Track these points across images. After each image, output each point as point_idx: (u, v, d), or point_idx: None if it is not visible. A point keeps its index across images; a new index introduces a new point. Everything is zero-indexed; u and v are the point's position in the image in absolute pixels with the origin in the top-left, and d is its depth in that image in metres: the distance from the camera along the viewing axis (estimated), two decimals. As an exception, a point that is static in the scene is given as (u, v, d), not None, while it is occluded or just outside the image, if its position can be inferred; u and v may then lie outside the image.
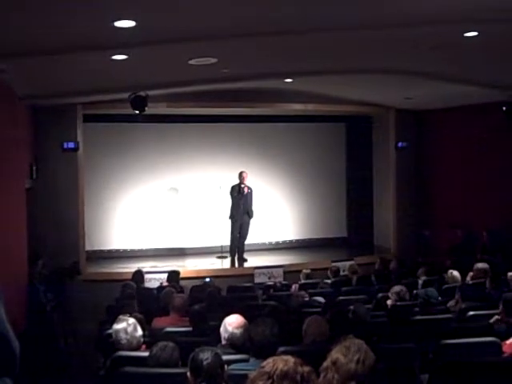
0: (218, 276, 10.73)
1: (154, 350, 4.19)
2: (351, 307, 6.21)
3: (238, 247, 12.33)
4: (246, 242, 12.81)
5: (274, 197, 14.00)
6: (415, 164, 13.55)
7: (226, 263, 12.22)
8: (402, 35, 6.59)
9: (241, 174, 12.20)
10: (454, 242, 11.51)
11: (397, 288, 7.01)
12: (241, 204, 12.10)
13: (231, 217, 12.22)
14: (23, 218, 8.85)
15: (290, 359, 2.20)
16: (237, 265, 12.08)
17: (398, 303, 6.72)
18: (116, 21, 5.23)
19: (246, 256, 12.33)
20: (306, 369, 2.18)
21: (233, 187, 12.18)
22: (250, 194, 12.20)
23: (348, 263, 10.93)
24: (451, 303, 6.91)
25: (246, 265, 11.94)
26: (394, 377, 3.89)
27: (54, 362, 6.69)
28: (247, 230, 12.29)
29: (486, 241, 10.97)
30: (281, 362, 2.17)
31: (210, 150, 13.23)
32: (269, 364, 2.18)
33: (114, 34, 5.73)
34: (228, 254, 12.36)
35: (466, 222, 11.55)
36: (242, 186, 12.12)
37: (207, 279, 9.97)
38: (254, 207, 12.81)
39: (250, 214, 12.23)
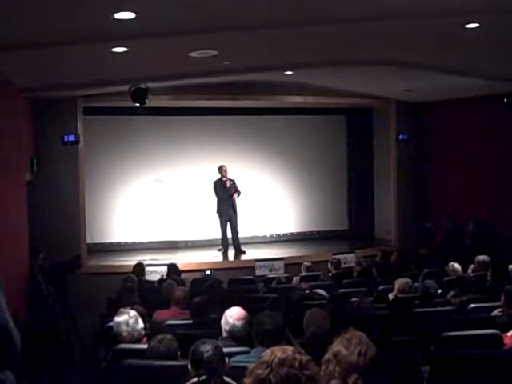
0: (219, 269, 10.74)
1: (152, 343, 4.21)
2: (353, 299, 6.24)
3: (233, 240, 12.33)
4: (247, 235, 12.84)
5: (274, 189, 13.99)
6: (416, 156, 13.52)
7: (227, 255, 12.24)
8: (402, 27, 6.57)
9: (221, 168, 12.17)
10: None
11: (402, 280, 7.03)
12: (225, 198, 12.10)
13: (218, 212, 12.22)
14: (24, 210, 8.85)
15: (289, 348, 2.22)
16: (231, 258, 12.06)
17: (400, 295, 6.74)
18: (116, 13, 5.21)
19: (245, 248, 12.32)
20: (305, 357, 2.19)
21: (215, 182, 12.18)
22: (233, 185, 12.18)
23: (349, 256, 10.95)
24: (450, 294, 6.92)
25: (246, 257, 11.93)
26: (395, 369, 3.89)
27: (55, 355, 6.70)
28: (236, 222, 12.26)
29: (471, 232, 11.06)
30: (279, 351, 2.19)
31: (211, 142, 13.20)
32: (267, 354, 2.20)
33: (114, 26, 5.71)
34: (229, 247, 12.36)
35: (466, 213, 11.55)
36: (224, 179, 12.12)
37: (208, 272, 9.99)
38: (255, 199, 13.16)
39: (238, 194, 12.21)
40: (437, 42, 7.27)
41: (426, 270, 8.56)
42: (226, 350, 3.72)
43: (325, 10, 5.70)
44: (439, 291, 7.02)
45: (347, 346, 2.62)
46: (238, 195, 12.16)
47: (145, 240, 13.11)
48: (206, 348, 3.46)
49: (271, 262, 10.98)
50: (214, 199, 12.21)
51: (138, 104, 9.85)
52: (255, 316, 4.47)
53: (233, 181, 12.20)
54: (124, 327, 4.80)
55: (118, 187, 12.91)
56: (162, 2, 5.09)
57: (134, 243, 13.06)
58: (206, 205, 12.56)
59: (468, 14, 5.91)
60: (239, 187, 12.27)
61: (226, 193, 12.08)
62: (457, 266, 8.25)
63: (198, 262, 11.45)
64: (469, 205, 11.89)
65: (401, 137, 13.27)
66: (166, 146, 13.09)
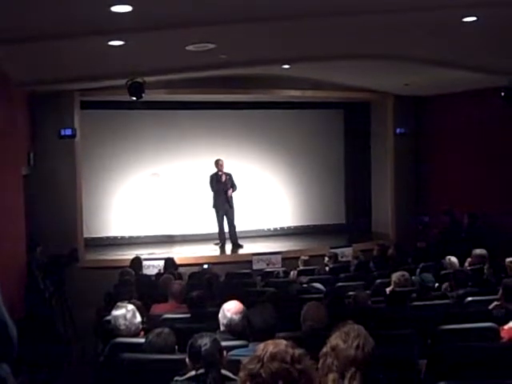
0: (216, 263, 10.73)
1: (150, 337, 4.20)
2: (351, 293, 6.24)
3: (230, 234, 12.32)
4: (245, 229, 12.84)
5: (272, 183, 13.99)
6: (414, 150, 13.53)
7: (224, 249, 12.24)
8: (400, 20, 6.56)
9: (217, 162, 12.14)
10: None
11: (398, 273, 7.04)
12: (221, 192, 12.08)
13: (214, 206, 12.21)
14: (21, 204, 8.83)
15: (282, 342, 2.21)
16: (228, 252, 12.06)
17: (397, 289, 6.75)
18: (113, 5, 5.18)
19: (242, 242, 12.32)
20: (298, 351, 2.18)
21: (211, 176, 12.16)
22: (229, 180, 12.17)
23: (346, 249, 10.95)
24: (444, 287, 6.94)
25: (244, 251, 11.93)
26: (393, 362, 3.90)
27: (52, 349, 6.70)
28: (233, 216, 12.25)
29: (466, 225, 11.08)
30: (271, 345, 2.18)
31: (208, 136, 13.19)
32: (260, 348, 2.19)
33: (111, 19, 5.69)
34: (226, 241, 12.36)
35: (464, 207, 11.55)
36: (220, 173, 12.10)
37: (205, 266, 9.98)
38: (252, 193, 13.30)
39: (234, 190, 12.17)
40: (435, 36, 7.25)
41: (423, 264, 8.57)
42: (223, 343, 3.71)
43: (323, 3, 5.68)
44: (436, 285, 7.04)
45: (345, 339, 2.61)
46: (234, 190, 12.14)
47: (142, 234, 13.10)
48: (204, 341, 3.45)
49: (269, 256, 10.97)
50: (211, 193, 12.20)
51: (134, 98, 9.84)
52: (248, 311, 4.47)
53: (229, 175, 12.18)
54: (121, 321, 4.79)
55: (115, 181, 12.90)
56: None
57: (131, 237, 13.05)
58: (204, 199, 12.55)
59: (466, 7, 5.90)
60: (236, 181, 12.26)
61: (221, 187, 12.07)
62: (453, 259, 8.25)
63: (196, 255, 11.45)
64: (466, 199, 11.90)
65: (398, 131, 13.27)
66: (162, 140, 13.07)
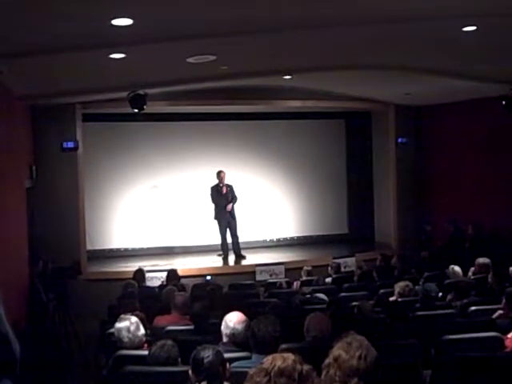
0: (219, 274, 10.73)
1: (153, 349, 4.19)
2: (354, 303, 6.23)
3: (233, 245, 12.30)
4: (247, 240, 12.81)
5: (274, 194, 13.99)
6: (415, 159, 13.54)
7: (227, 261, 12.22)
8: (401, 30, 6.58)
9: (219, 174, 12.15)
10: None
11: (402, 284, 7.02)
12: (222, 204, 12.09)
13: (216, 217, 12.20)
14: (23, 217, 8.85)
15: (290, 357, 2.19)
16: (231, 263, 12.04)
17: (400, 299, 6.73)
18: (113, 19, 5.21)
19: (245, 253, 12.30)
20: (306, 367, 2.16)
21: (212, 188, 12.17)
22: (230, 191, 12.17)
23: (349, 259, 10.93)
24: (448, 298, 6.92)
25: (246, 262, 11.91)
26: (397, 373, 3.88)
27: (55, 362, 6.68)
28: (235, 227, 12.24)
29: (471, 235, 11.05)
30: (279, 360, 2.16)
31: (210, 147, 13.21)
32: (268, 361, 2.17)
33: (112, 33, 5.71)
34: (229, 252, 12.35)
35: (466, 217, 11.54)
36: (221, 185, 12.11)
37: (208, 277, 9.97)
38: (255, 204, 13.29)
39: (234, 202, 12.17)
40: (435, 46, 7.28)
41: (426, 274, 8.55)
42: (226, 355, 3.71)
43: (324, 14, 5.70)
44: (440, 294, 7.02)
45: (347, 349, 2.61)
46: (234, 202, 12.15)
47: (145, 246, 13.09)
48: (207, 353, 3.45)
49: (272, 267, 10.97)
50: (212, 205, 12.20)
51: (136, 110, 9.87)
52: (251, 323, 4.46)
53: (230, 187, 12.19)
54: (125, 333, 4.79)
55: (118, 193, 12.90)
56: (159, 8, 5.09)
57: (134, 249, 13.04)
58: (206, 210, 12.55)
59: (466, 16, 5.92)
60: (238, 192, 12.26)
61: (222, 199, 12.07)
62: (457, 268, 8.23)
63: (199, 267, 11.44)
64: (469, 208, 11.88)
65: (400, 140, 13.29)
66: (164, 152, 13.09)
